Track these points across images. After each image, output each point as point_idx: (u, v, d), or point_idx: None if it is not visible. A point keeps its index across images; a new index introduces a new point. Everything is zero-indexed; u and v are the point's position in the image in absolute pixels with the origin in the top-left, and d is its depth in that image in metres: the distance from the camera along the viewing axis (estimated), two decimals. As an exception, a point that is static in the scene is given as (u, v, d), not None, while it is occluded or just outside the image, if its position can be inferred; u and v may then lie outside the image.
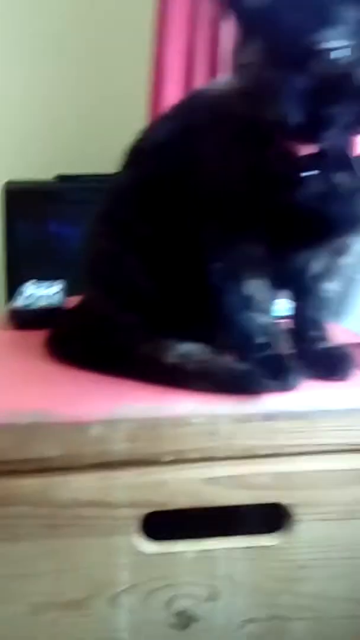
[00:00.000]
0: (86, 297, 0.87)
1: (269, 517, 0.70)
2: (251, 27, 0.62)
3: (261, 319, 0.73)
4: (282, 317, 0.82)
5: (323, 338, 0.78)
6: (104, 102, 2.02)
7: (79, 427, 0.64)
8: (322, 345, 0.77)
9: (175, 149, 0.74)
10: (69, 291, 1.05)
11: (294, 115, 0.59)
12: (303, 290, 0.77)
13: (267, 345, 0.72)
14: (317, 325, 0.79)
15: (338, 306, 0.80)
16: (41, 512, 0.66)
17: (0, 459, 0.64)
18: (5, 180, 1.94)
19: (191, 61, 1.58)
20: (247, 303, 0.72)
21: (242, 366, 0.70)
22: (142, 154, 0.80)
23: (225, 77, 0.78)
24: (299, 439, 0.67)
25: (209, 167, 0.70)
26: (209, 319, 0.73)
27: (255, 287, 0.72)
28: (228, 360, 0.71)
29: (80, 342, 0.79)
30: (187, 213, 0.72)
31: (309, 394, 0.69)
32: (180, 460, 0.66)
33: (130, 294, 0.77)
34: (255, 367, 0.69)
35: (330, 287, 0.78)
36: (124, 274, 0.78)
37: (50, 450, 0.64)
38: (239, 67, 0.64)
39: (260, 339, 0.72)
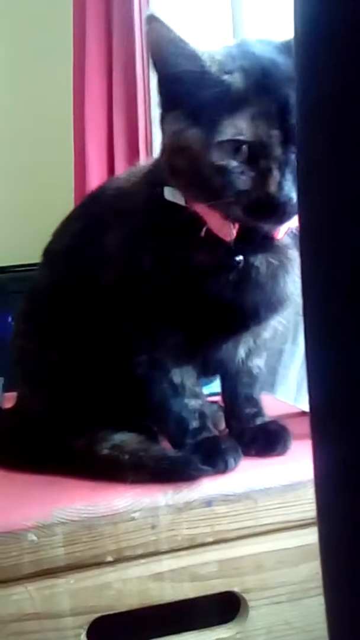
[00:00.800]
0: (17, 394, 0.85)
1: (222, 606, 0.68)
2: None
3: (193, 403, 0.72)
4: (216, 394, 0.82)
5: (259, 414, 0.78)
6: (32, 193, 2.06)
7: (14, 535, 0.62)
8: (258, 421, 0.77)
9: (82, 249, 0.75)
10: (7, 387, 1.03)
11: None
12: (232, 370, 0.77)
13: (200, 429, 0.71)
14: (251, 401, 0.79)
15: (266, 379, 0.81)
16: (-18, 631, 0.62)
17: None
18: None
19: (111, 147, 1.61)
20: (177, 390, 0.71)
21: (176, 453, 0.69)
22: (54, 255, 0.81)
23: (128, 171, 0.82)
24: (242, 521, 0.66)
25: (116, 263, 0.71)
26: (139, 407, 0.72)
27: (183, 373, 0.71)
28: (162, 448, 0.70)
29: (11, 443, 0.77)
30: (104, 309, 0.71)
31: (247, 474, 0.68)
32: (122, 558, 0.64)
33: (56, 390, 0.76)
34: (189, 453, 0.68)
35: (259, 362, 0.78)
36: (46, 371, 0.77)
37: (-14, 564, 0.62)
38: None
39: (193, 424, 0.71)
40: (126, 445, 0.70)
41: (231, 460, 0.68)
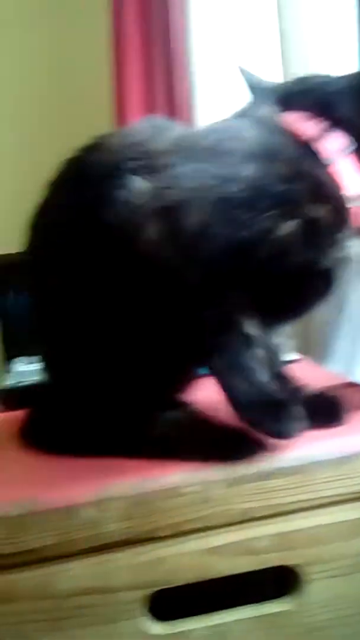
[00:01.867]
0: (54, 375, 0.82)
1: (278, 581, 0.67)
2: None
3: (262, 353, 0.68)
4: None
5: (301, 387, 0.77)
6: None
7: (71, 511, 0.63)
8: (306, 393, 0.76)
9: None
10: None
11: None
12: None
13: (268, 384, 0.67)
14: (287, 377, 0.78)
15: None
16: (43, 605, 0.63)
17: (-5, 554, 0.62)
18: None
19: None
20: (250, 340, 0.67)
21: (230, 431, 0.67)
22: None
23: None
24: (296, 495, 0.65)
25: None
26: (188, 382, 0.71)
27: (253, 324, 0.68)
28: (214, 426, 0.68)
29: (57, 427, 0.77)
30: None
31: (302, 447, 0.67)
32: (177, 533, 0.64)
33: (98, 369, 0.73)
34: (255, 415, 0.66)
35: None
36: (87, 349, 0.73)
37: (44, 539, 0.62)
38: None
39: (262, 377, 0.67)
40: (178, 423, 0.70)
41: (297, 425, 0.66)
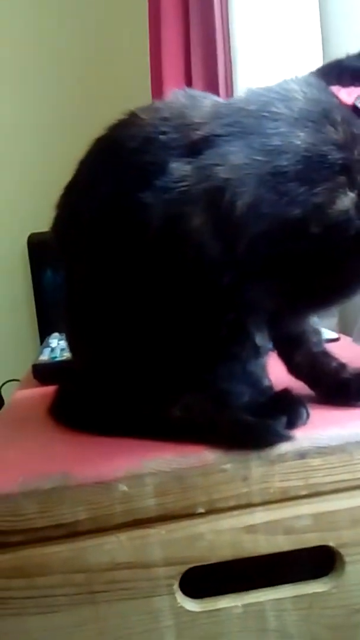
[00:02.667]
0: (78, 356, 0.81)
1: (317, 561, 0.66)
2: None
3: (264, 361, 0.69)
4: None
5: (344, 364, 0.75)
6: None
7: (105, 486, 0.62)
8: (350, 370, 0.74)
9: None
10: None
11: None
12: (299, 332, 0.75)
13: (270, 387, 0.69)
14: (331, 355, 0.76)
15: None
16: (76, 579, 0.63)
17: (28, 527, 0.61)
18: (29, 233, 1.97)
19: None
20: (259, 351, 0.67)
21: (252, 417, 0.65)
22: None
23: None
24: (337, 474, 0.63)
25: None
26: (206, 366, 0.68)
27: (263, 335, 0.67)
28: (236, 411, 0.66)
29: (82, 405, 0.76)
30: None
31: (342, 426, 0.65)
32: (214, 510, 0.62)
33: (119, 351, 0.71)
34: (267, 411, 0.65)
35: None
36: (110, 333, 0.71)
37: (77, 513, 0.62)
38: None
39: (265, 382, 0.68)
40: (198, 406, 0.67)
41: (306, 413, 0.66)
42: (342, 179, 0.60)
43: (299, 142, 0.60)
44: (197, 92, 0.72)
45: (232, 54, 1.41)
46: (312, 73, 0.69)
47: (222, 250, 0.60)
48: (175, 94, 0.71)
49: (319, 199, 0.59)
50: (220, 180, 0.59)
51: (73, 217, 0.73)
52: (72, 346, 0.80)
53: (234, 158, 0.60)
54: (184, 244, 0.61)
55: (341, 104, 0.64)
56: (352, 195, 0.60)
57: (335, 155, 0.60)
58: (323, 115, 0.62)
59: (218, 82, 1.47)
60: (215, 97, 0.71)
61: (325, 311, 0.74)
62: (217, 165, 0.60)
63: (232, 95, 1.45)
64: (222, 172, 0.59)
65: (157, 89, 1.66)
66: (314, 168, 0.60)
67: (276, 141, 0.60)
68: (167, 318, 0.66)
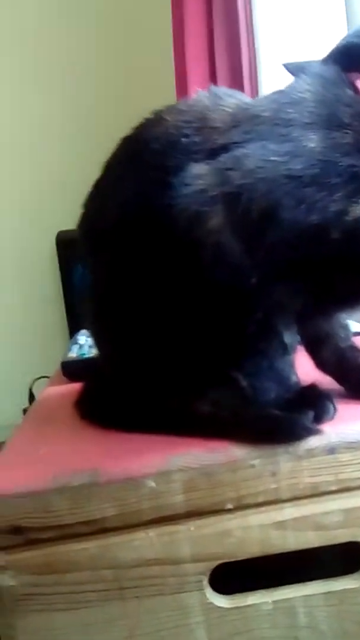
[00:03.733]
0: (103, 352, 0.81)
1: (347, 558, 0.65)
2: None
3: (292, 358, 0.68)
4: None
5: None
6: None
7: (133, 482, 0.62)
8: None
9: None
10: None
11: None
12: (328, 328, 0.74)
13: (297, 383, 0.68)
14: (358, 349, 0.75)
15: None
16: (105, 575, 0.63)
17: (57, 523, 0.62)
18: (57, 231, 1.98)
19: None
20: (287, 349, 0.67)
21: (280, 412, 0.65)
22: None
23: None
24: (367, 470, 0.62)
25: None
26: (232, 361, 0.68)
27: (292, 333, 0.67)
28: (262, 406, 0.66)
29: (108, 402, 0.76)
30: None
31: (371, 421, 0.64)
32: (243, 506, 0.62)
33: (144, 346, 0.71)
34: (293, 406, 0.64)
35: None
36: (134, 328, 0.71)
37: (106, 509, 0.62)
38: None
39: (293, 378, 0.68)
40: (225, 401, 0.67)
41: (334, 405, 0.66)
42: (351, 187, 0.59)
43: (313, 145, 0.59)
44: (222, 90, 0.71)
45: (256, 50, 1.40)
46: (330, 58, 0.67)
47: (243, 251, 0.60)
48: (200, 94, 0.71)
49: (338, 206, 0.58)
50: (235, 185, 0.59)
51: (99, 215, 0.73)
52: (97, 342, 0.81)
53: (248, 162, 0.60)
54: (203, 244, 0.60)
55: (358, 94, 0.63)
56: None
57: (345, 163, 0.59)
58: (334, 117, 0.61)
59: (243, 77, 1.46)
60: (239, 96, 0.70)
61: (353, 311, 0.73)
62: (233, 169, 0.60)
63: (257, 91, 1.43)
64: (236, 176, 0.59)
65: (182, 86, 1.65)
66: (330, 173, 0.58)
67: (288, 146, 0.59)
68: (194, 315, 0.66)
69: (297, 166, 0.58)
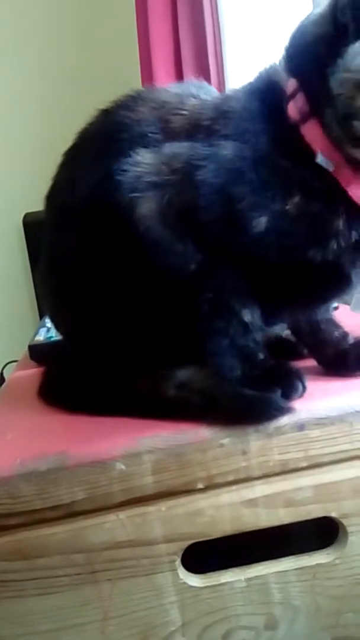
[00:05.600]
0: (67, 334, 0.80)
1: (319, 533, 0.65)
2: None
3: (259, 336, 0.67)
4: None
5: (347, 334, 0.74)
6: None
7: (102, 465, 0.61)
8: (350, 340, 0.73)
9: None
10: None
11: None
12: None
13: (265, 360, 0.67)
14: (335, 324, 0.75)
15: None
16: (76, 559, 0.62)
17: (25, 509, 0.61)
18: (24, 213, 1.95)
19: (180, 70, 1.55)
20: (249, 328, 0.66)
21: (252, 391, 0.63)
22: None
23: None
24: (337, 445, 0.62)
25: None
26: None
27: (253, 311, 0.66)
28: (235, 386, 0.65)
29: (70, 386, 0.75)
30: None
31: (341, 396, 0.64)
32: (213, 485, 0.62)
33: (110, 327, 0.70)
34: (261, 383, 0.64)
35: None
36: (99, 309, 0.70)
37: (75, 493, 0.61)
38: None
39: (260, 355, 0.67)
40: (194, 383, 0.66)
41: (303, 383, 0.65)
42: (253, 199, 0.61)
43: (225, 153, 0.62)
44: (195, 86, 0.73)
45: (221, 38, 1.38)
46: (267, 74, 0.67)
47: (176, 238, 0.63)
48: (178, 86, 0.74)
49: (244, 217, 0.61)
50: (163, 179, 0.64)
51: (69, 191, 0.72)
52: (58, 320, 0.80)
53: (178, 159, 0.64)
54: (137, 229, 0.63)
55: (284, 119, 0.63)
56: (263, 219, 0.61)
57: (254, 176, 0.62)
58: (247, 133, 0.63)
59: (209, 64, 1.44)
60: (207, 93, 0.72)
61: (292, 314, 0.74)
62: (165, 164, 0.64)
63: (223, 79, 1.42)
64: (165, 171, 0.64)
65: (147, 71, 1.63)
66: (236, 183, 0.61)
67: (211, 150, 0.63)
68: (153, 296, 0.66)
69: (210, 172, 0.62)
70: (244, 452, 0.61)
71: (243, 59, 1.43)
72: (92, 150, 0.70)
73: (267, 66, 0.67)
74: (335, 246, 0.62)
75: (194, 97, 0.70)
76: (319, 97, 0.60)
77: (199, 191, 0.62)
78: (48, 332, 1.06)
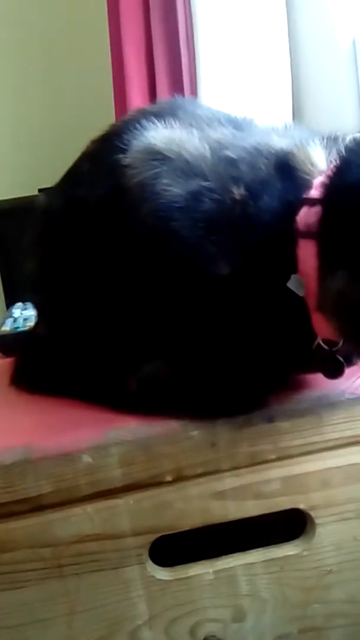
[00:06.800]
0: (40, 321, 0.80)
1: (287, 525, 0.65)
2: None
3: None
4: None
5: None
6: (75, 112, 1.99)
7: (69, 457, 0.60)
8: None
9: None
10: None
11: None
12: None
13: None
14: None
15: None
16: (43, 553, 0.61)
17: (-8, 502, 0.60)
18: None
19: (150, 59, 1.53)
20: None
21: (217, 384, 0.62)
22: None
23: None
24: (305, 437, 0.62)
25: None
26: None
27: None
28: (205, 378, 0.63)
29: (41, 370, 0.75)
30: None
31: (310, 389, 0.64)
32: (182, 477, 0.61)
33: (76, 318, 0.69)
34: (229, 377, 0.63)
35: None
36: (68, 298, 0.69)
37: (42, 486, 0.60)
38: None
39: None
40: (160, 376, 0.64)
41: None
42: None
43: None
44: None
45: (195, 49, 1.37)
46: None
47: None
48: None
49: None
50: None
51: (89, 184, 0.69)
52: (41, 311, 0.78)
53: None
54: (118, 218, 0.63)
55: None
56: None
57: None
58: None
59: (182, 78, 1.43)
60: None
61: None
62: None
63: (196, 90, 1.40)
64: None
65: (120, 90, 1.61)
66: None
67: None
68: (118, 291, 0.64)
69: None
70: (213, 444, 0.61)
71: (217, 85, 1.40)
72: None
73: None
74: None
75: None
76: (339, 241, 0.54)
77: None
78: (15, 322, 1.04)
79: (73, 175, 0.73)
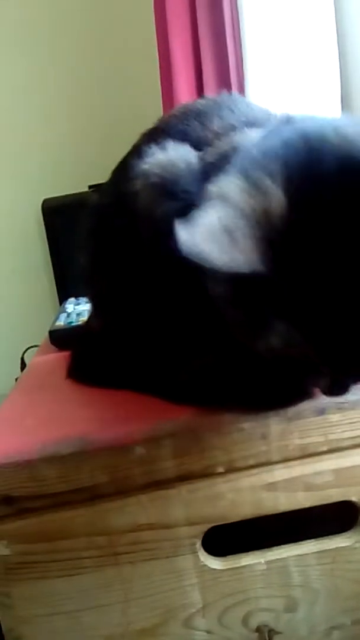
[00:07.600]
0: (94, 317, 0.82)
1: (339, 517, 0.65)
2: None
3: None
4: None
5: None
6: (124, 108, 2.01)
7: (124, 449, 0.61)
8: None
9: None
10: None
11: None
12: None
13: None
14: None
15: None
16: (99, 541, 0.63)
17: (50, 491, 0.62)
18: (43, 198, 1.96)
19: (197, 54, 1.53)
20: None
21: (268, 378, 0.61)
22: None
23: None
24: (356, 429, 0.62)
25: None
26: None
27: None
28: (257, 372, 0.62)
29: (96, 363, 0.77)
30: None
31: None
32: (234, 469, 0.62)
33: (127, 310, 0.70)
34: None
35: None
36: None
37: (97, 477, 0.62)
38: None
39: None
40: (212, 368, 0.64)
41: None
42: None
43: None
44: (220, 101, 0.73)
45: (242, 49, 1.36)
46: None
47: None
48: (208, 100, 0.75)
49: None
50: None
51: (118, 186, 0.71)
52: (94, 305, 0.80)
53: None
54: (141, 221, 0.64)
55: None
56: None
57: None
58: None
59: (229, 72, 1.43)
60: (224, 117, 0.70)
61: None
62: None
63: (243, 83, 1.40)
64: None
65: (168, 85, 1.61)
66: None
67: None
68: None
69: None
70: (264, 436, 0.62)
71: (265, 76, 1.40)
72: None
73: None
74: None
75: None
76: None
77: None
78: (68, 317, 1.07)
79: (121, 170, 0.74)
